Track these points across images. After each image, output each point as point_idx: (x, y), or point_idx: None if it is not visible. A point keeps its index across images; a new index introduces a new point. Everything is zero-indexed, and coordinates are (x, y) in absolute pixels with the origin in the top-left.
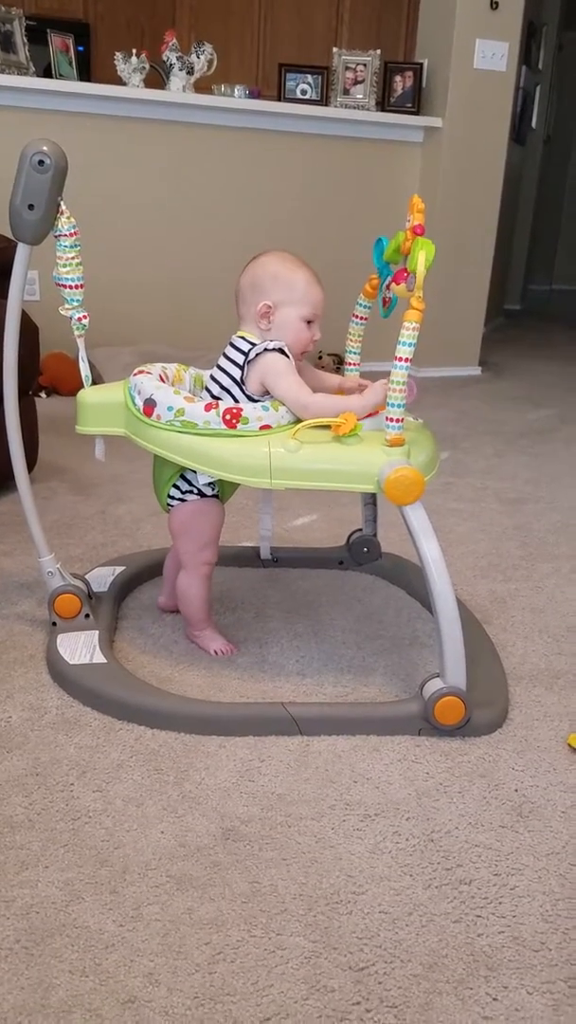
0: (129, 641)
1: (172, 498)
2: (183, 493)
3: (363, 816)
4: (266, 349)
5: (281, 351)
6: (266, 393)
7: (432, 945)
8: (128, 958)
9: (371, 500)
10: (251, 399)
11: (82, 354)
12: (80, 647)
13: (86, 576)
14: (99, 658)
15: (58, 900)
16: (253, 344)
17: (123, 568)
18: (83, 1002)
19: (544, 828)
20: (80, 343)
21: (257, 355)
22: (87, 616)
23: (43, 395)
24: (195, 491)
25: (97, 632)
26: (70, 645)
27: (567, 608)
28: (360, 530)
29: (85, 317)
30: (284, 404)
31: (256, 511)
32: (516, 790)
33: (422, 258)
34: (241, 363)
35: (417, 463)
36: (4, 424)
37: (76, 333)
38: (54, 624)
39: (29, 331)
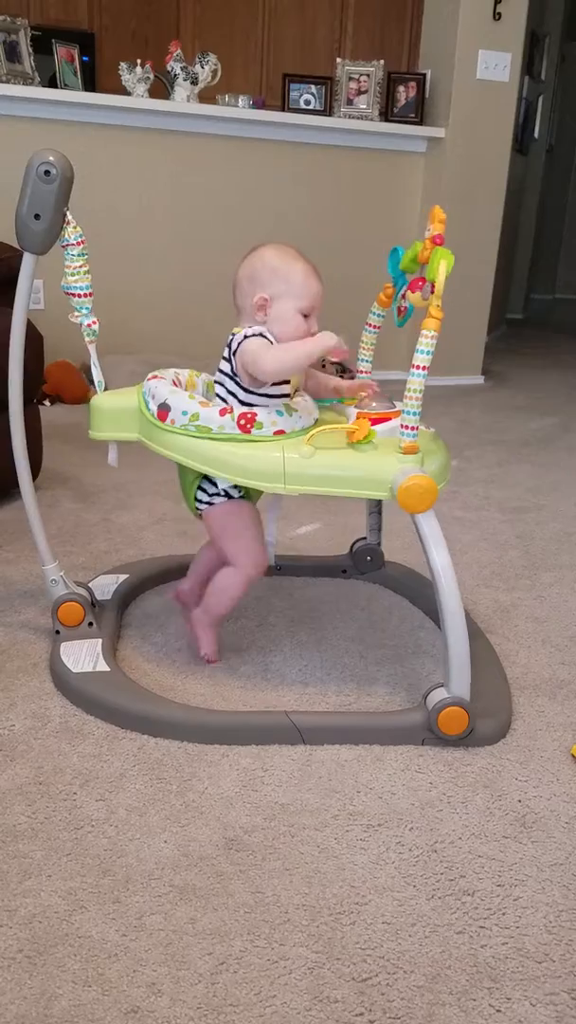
0: (133, 649)
1: (200, 501)
2: (210, 496)
3: (366, 826)
4: (245, 336)
5: (261, 336)
6: (255, 381)
7: (435, 956)
8: (131, 968)
9: (376, 508)
10: (247, 391)
11: (94, 359)
12: (83, 655)
13: (89, 584)
14: (102, 666)
15: (61, 909)
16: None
17: (126, 576)
18: (86, 1012)
19: (547, 839)
20: (91, 349)
21: (239, 344)
22: (90, 624)
23: (47, 403)
24: (221, 493)
25: (100, 640)
26: (73, 653)
27: (570, 618)
28: (364, 538)
29: (95, 323)
30: (257, 375)
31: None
32: (519, 801)
33: (443, 267)
34: (228, 356)
35: (430, 471)
36: (8, 432)
37: (87, 339)
38: (57, 632)
39: (33, 340)
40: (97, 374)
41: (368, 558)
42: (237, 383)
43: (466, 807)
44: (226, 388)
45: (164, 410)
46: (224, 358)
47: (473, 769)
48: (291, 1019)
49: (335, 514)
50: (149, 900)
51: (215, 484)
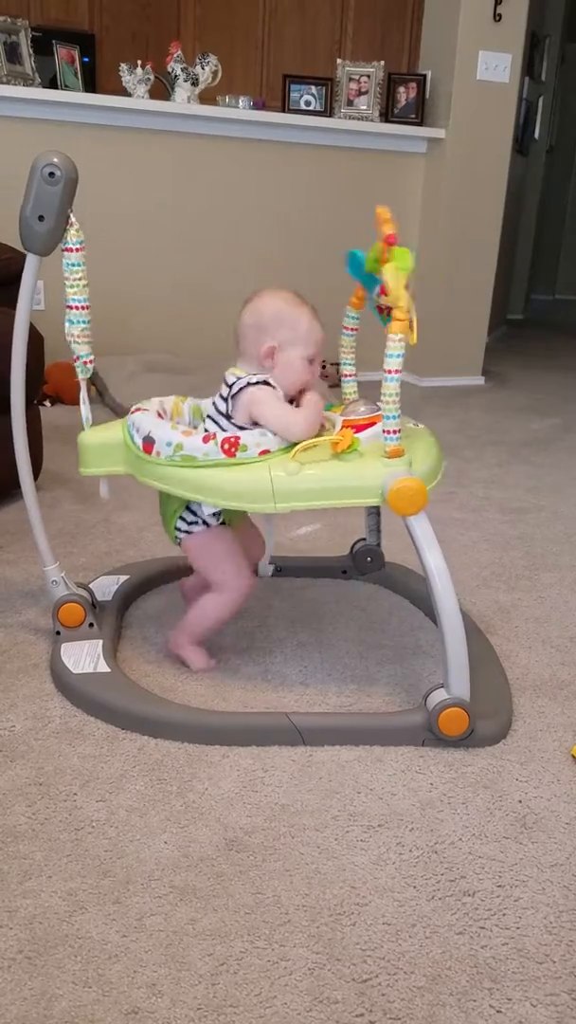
0: (133, 650)
1: (179, 530)
2: (189, 524)
3: (366, 827)
4: (249, 383)
5: (266, 383)
6: (256, 424)
7: (435, 957)
8: (131, 969)
9: (375, 510)
10: (241, 429)
11: (83, 396)
12: (84, 656)
13: (90, 585)
14: (103, 667)
15: (61, 910)
16: (240, 378)
17: (127, 577)
18: (86, 1013)
19: (548, 839)
20: (83, 386)
21: (240, 389)
22: (91, 625)
23: (47, 404)
24: (199, 522)
25: (101, 641)
26: (74, 654)
27: (570, 619)
28: (364, 539)
29: (91, 362)
30: (276, 432)
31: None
32: (520, 801)
33: (389, 271)
34: (226, 396)
35: (419, 472)
36: (10, 433)
37: (80, 376)
38: (58, 633)
39: (34, 341)
40: (85, 411)
41: (368, 559)
42: (232, 424)
43: (466, 808)
44: (219, 426)
45: (149, 443)
46: (221, 397)
47: (473, 770)
48: (291, 1020)
49: (335, 515)
50: (149, 901)
51: (195, 513)
